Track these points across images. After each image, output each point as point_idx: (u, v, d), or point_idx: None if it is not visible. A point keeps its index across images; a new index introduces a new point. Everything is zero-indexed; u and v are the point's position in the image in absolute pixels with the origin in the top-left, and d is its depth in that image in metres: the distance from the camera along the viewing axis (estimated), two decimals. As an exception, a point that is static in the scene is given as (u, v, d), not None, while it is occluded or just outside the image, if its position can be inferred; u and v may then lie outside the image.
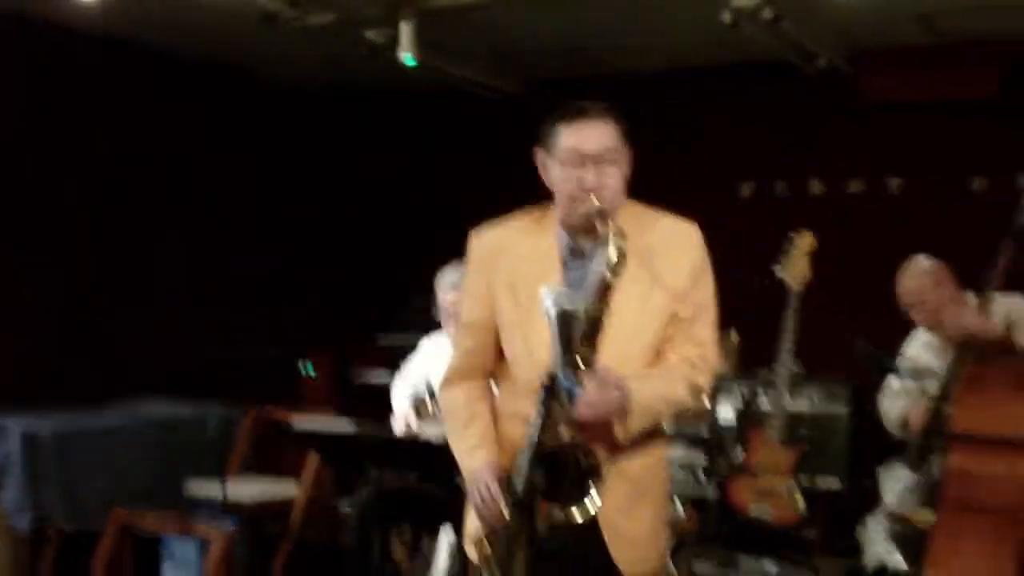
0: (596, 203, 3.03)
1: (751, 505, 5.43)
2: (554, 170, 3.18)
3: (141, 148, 7.59)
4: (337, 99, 8.88)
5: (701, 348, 3.20)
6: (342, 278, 8.89)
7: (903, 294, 5.10)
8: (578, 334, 2.82)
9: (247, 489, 6.27)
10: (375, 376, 7.80)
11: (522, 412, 3.11)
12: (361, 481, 5.36)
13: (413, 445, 4.88)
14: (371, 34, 6.80)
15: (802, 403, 6.17)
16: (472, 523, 3.23)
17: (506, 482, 2.99)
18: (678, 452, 6.41)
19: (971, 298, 4.85)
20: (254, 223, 8.41)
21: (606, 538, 3.07)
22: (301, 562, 6.30)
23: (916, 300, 5.04)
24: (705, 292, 3.25)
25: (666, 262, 3.15)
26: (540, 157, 3.23)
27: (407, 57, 6.58)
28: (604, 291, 2.91)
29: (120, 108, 7.46)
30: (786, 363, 5.49)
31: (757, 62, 7.32)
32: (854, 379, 6.03)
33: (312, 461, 6.28)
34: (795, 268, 5.46)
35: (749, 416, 5.77)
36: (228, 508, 5.90)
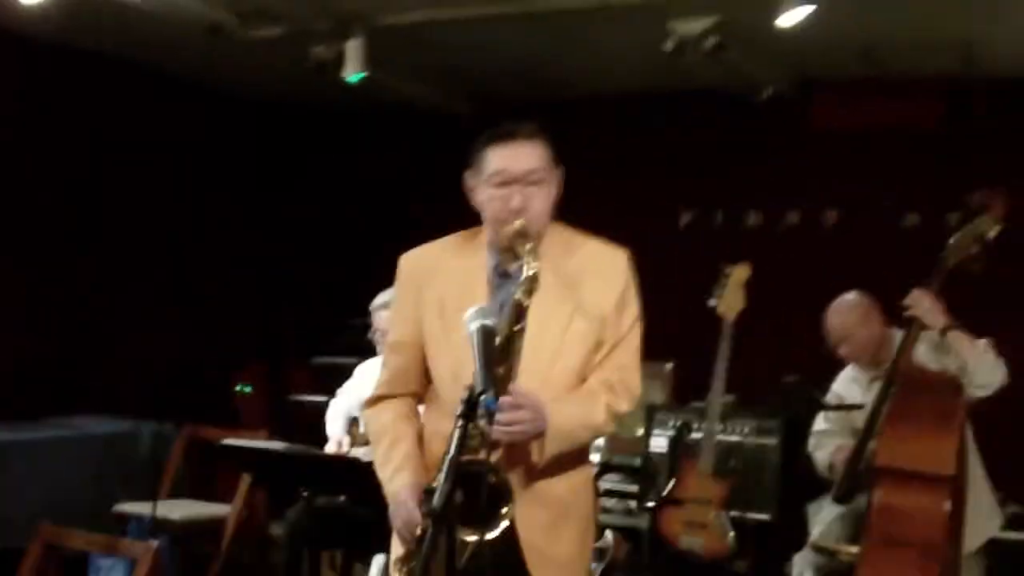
0: (517, 224, 3.04)
1: (682, 537, 5.43)
2: (482, 192, 3.18)
3: (81, 153, 7.55)
4: (282, 113, 8.85)
5: (622, 372, 3.21)
6: (279, 297, 8.86)
7: (831, 330, 5.14)
8: (498, 351, 2.82)
9: (178, 508, 6.24)
10: (310, 397, 7.78)
11: (444, 431, 3.09)
12: (293, 503, 5.34)
13: (344, 465, 4.87)
14: (319, 49, 6.79)
15: (734, 434, 6.19)
16: (396, 546, 3.22)
17: (425, 503, 2.98)
18: (611, 482, 6.44)
19: (897, 334, 4.91)
20: (191, 239, 8.37)
21: (528, 560, 3.07)
22: (231, 582, 6.27)
23: (843, 336, 5.09)
24: (630, 318, 3.25)
25: (592, 287, 3.16)
26: (469, 180, 3.24)
27: (352, 75, 6.58)
28: (518, 312, 2.93)
29: (65, 115, 7.42)
30: (718, 394, 5.52)
31: (703, 90, 7.38)
32: (787, 411, 6.06)
33: (244, 482, 6.25)
34: (729, 299, 5.49)
35: (681, 446, 5.77)
36: (158, 526, 5.86)
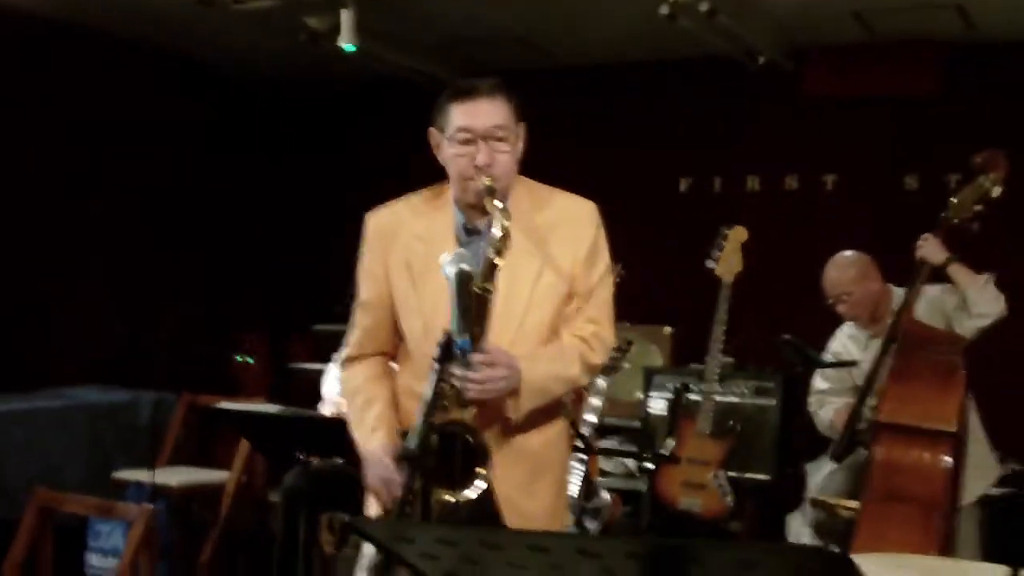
0: (485, 181, 3.03)
1: (680, 497, 5.44)
2: (447, 149, 3.17)
3: (76, 130, 7.53)
4: (278, 86, 8.82)
5: (596, 326, 3.23)
6: (279, 266, 8.85)
7: (828, 287, 5.15)
8: (469, 294, 2.81)
9: (176, 475, 6.23)
10: (310, 365, 7.76)
11: (417, 389, 3.11)
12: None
13: (339, 427, 4.84)
14: (312, 20, 6.76)
15: (732, 395, 6.19)
16: (372, 506, 3.24)
17: (401, 446, 2.98)
18: (610, 443, 6.45)
19: (896, 292, 4.91)
20: (191, 209, 8.35)
21: (505, 516, 3.08)
22: (229, 548, 6.26)
23: (840, 293, 5.09)
24: (600, 270, 3.26)
25: (561, 241, 3.17)
26: (434, 137, 3.23)
27: (346, 45, 6.55)
28: (490, 271, 2.91)
29: (49, 89, 7.39)
30: (717, 355, 5.51)
31: (698, 58, 7.35)
32: (785, 372, 6.06)
33: (243, 448, 6.24)
34: (728, 261, 5.49)
35: (680, 408, 5.77)
36: (157, 493, 5.85)
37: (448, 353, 2.67)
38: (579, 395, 5.77)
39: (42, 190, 7.33)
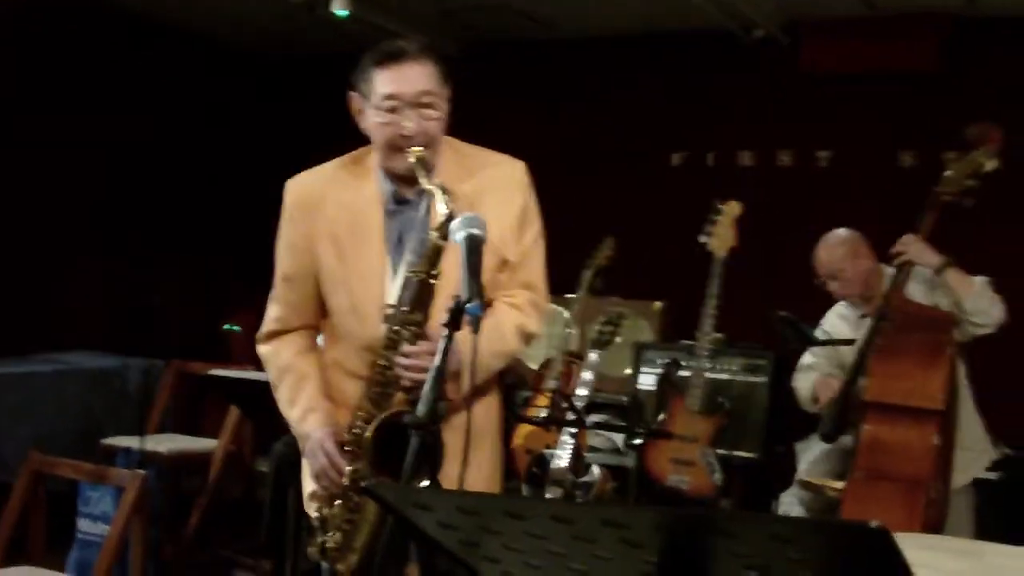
0: (415, 152, 2.95)
1: (668, 474, 5.43)
2: (371, 116, 3.07)
3: (68, 99, 7.49)
4: (269, 59, 8.80)
5: (531, 291, 3.18)
6: (269, 236, 8.82)
7: (819, 266, 5.12)
8: (483, 260, 2.73)
9: (165, 442, 6.24)
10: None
11: (346, 364, 3.12)
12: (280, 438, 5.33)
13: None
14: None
15: (723, 372, 6.19)
16: (308, 483, 3.21)
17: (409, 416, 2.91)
18: (599, 418, 6.44)
19: (888, 271, 4.89)
20: (184, 179, 8.32)
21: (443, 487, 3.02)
22: (217, 516, 6.27)
23: (832, 271, 5.06)
24: (532, 233, 3.19)
25: (491, 206, 3.04)
26: (355, 102, 3.13)
27: (340, 11, 6.52)
28: (435, 255, 2.87)
29: (42, 56, 7.35)
30: (707, 331, 5.49)
31: (695, 31, 7.33)
32: (776, 350, 6.05)
33: (231, 417, 6.24)
34: (721, 235, 5.46)
35: (670, 384, 5.76)
36: (146, 459, 5.85)
37: (458, 319, 2.63)
38: (568, 370, 5.79)
39: (37, 158, 7.29)
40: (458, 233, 2.70)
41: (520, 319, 3.13)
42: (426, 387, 2.61)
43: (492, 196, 3.10)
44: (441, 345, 2.63)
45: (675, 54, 7.73)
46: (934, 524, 4.21)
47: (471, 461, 3.01)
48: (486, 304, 2.69)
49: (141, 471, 4.43)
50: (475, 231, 2.70)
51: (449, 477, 2.93)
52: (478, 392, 3.09)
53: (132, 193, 7.95)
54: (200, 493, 6.24)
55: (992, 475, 5.29)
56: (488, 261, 2.91)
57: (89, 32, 7.64)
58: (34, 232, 7.27)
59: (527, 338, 3.18)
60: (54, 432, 6.37)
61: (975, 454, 4.83)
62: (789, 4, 6.92)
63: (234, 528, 6.27)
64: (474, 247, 2.68)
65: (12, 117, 7.17)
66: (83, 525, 5.72)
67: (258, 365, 6.65)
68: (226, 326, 8.30)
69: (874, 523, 1.42)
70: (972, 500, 4.93)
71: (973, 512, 4.92)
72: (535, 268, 3.21)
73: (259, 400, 5.05)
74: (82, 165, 7.59)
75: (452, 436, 2.90)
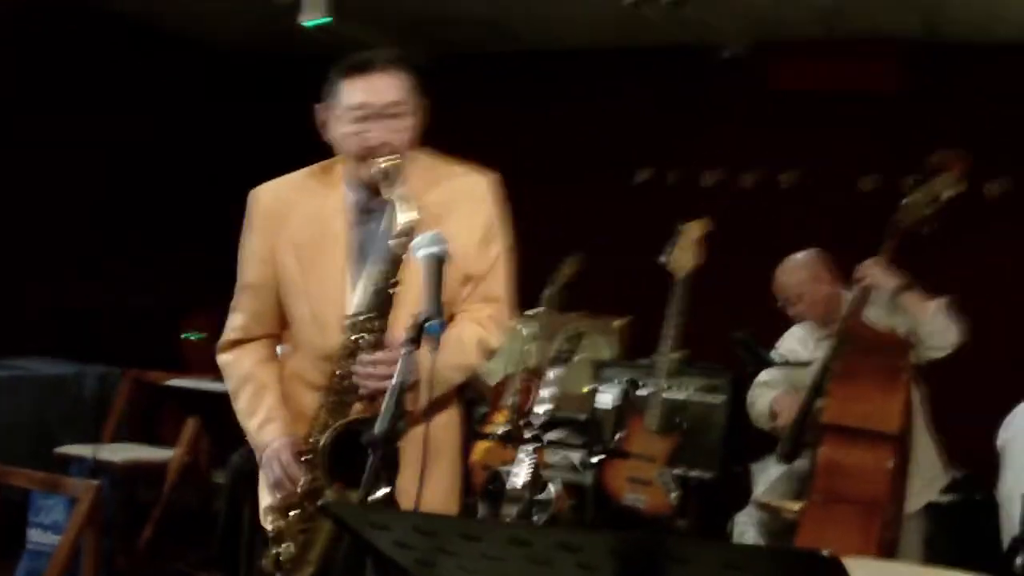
0: (381, 164, 2.94)
1: (625, 493, 5.44)
2: (338, 126, 3.06)
3: (33, 96, 7.43)
4: (237, 60, 8.75)
5: (494, 305, 3.17)
6: (232, 243, 8.78)
7: (779, 289, 5.14)
8: (444, 277, 2.72)
9: (120, 451, 6.19)
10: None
11: (305, 375, 3.11)
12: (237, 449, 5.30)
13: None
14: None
15: (681, 392, 6.20)
16: (265, 496, 3.19)
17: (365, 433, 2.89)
18: (556, 436, 6.43)
19: (846, 294, 4.91)
20: (144, 182, 8.26)
21: (400, 504, 2.92)
22: (172, 527, 6.22)
23: (792, 295, 5.08)
24: (496, 248, 3.18)
25: (456, 220, 3.05)
26: (321, 113, 3.12)
27: (310, 20, 6.51)
28: (395, 264, 2.86)
29: (42, 57, 7.33)
30: (666, 351, 5.51)
31: (662, 47, 7.36)
32: (735, 370, 6.06)
33: (188, 427, 6.20)
34: (681, 256, 5.48)
35: (628, 403, 5.77)
36: (99, 469, 5.80)
37: (418, 336, 2.61)
38: (527, 387, 5.78)
39: (36, 158, 7.27)
40: (419, 251, 2.70)
41: (481, 333, 3.12)
42: (385, 404, 2.60)
43: (458, 208, 3.10)
44: (401, 362, 2.62)
45: (641, 70, 7.75)
46: (888, 546, 4.24)
47: (429, 476, 3.00)
48: (446, 321, 2.66)
49: (95, 481, 4.39)
50: (436, 249, 2.69)
51: (406, 492, 2.88)
52: (437, 406, 3.07)
53: (91, 196, 7.88)
54: (155, 503, 6.19)
55: (943, 498, 5.31)
56: (452, 274, 2.91)
57: (88, 34, 7.63)
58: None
59: (488, 353, 3.17)
60: (6, 438, 6.31)
61: (927, 480, 4.85)
62: (756, 24, 6.96)
63: (188, 539, 6.22)
64: (435, 266, 2.67)
65: (12, 117, 7.12)
66: (33, 535, 5.66)
67: (217, 374, 6.66)
68: (186, 334, 8.26)
69: (826, 552, 1.42)
70: (923, 524, 4.95)
71: (923, 536, 4.95)
72: (499, 282, 3.20)
73: (217, 412, 5.04)
74: (38, 167, 7.51)
75: (409, 449, 2.85)
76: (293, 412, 3.16)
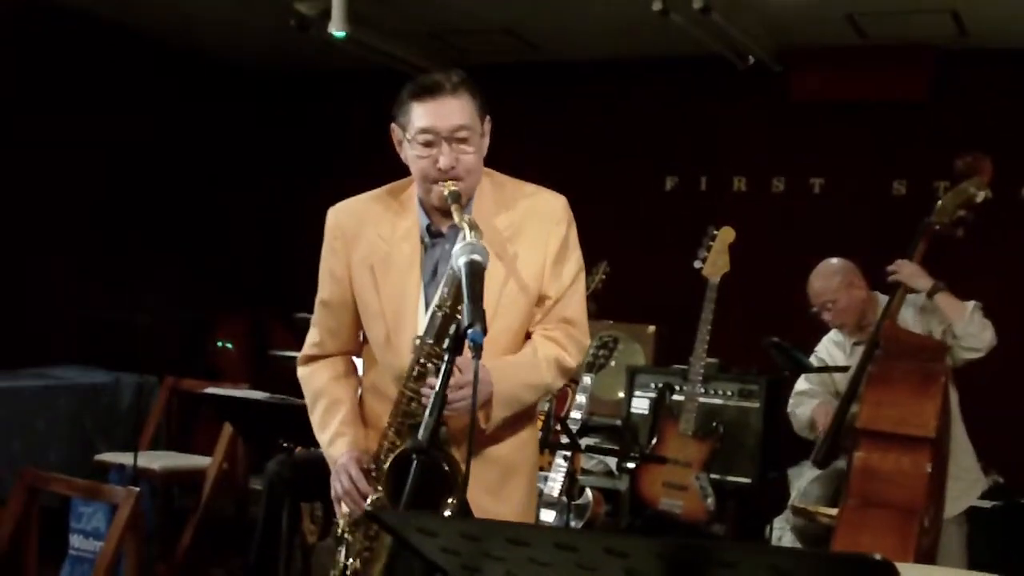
0: (449, 186, 2.95)
1: (661, 498, 5.45)
2: (408, 148, 3.06)
3: (57, 108, 7.49)
4: (264, 71, 8.82)
5: (568, 326, 3.15)
6: (262, 253, 8.85)
7: (812, 295, 5.15)
8: (522, 295, 2.75)
9: (158, 459, 6.23)
10: (291, 353, 7.76)
11: (382, 389, 3.11)
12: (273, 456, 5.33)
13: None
14: (302, 6, 6.75)
15: (716, 397, 6.20)
16: (343, 506, 3.17)
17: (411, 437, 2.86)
18: (591, 441, 6.44)
19: (881, 299, 4.92)
20: (175, 194, 8.34)
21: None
22: (209, 535, 6.26)
23: (825, 301, 5.09)
24: (572, 269, 3.17)
25: (529, 240, 3.07)
26: (396, 134, 3.12)
27: (337, 32, 6.54)
28: (458, 289, 2.81)
29: (42, 58, 7.38)
30: (701, 356, 5.51)
31: (687, 56, 7.36)
32: (769, 375, 6.07)
33: (225, 435, 6.24)
34: (715, 261, 5.49)
35: (663, 408, 5.78)
36: (139, 475, 5.85)
37: (459, 345, 2.62)
38: (564, 393, 5.79)
39: (24, 170, 7.29)
40: (459, 259, 2.70)
41: (557, 352, 3.10)
42: (427, 412, 2.62)
43: (529, 229, 3.10)
44: (443, 370, 2.64)
45: (667, 79, 7.78)
46: (927, 553, 4.23)
47: (503, 495, 3.04)
48: (485, 330, 2.64)
49: (135, 488, 4.42)
50: (476, 257, 2.70)
51: (481, 508, 2.95)
52: (512, 425, 3.09)
53: (123, 207, 7.94)
54: (192, 511, 6.23)
55: (985, 503, 5.30)
56: (524, 296, 2.97)
57: (89, 38, 7.66)
58: (22, 244, 7.26)
59: (564, 372, 3.15)
60: (47, 447, 6.37)
61: (966, 484, 4.85)
62: (782, 31, 6.97)
63: (226, 546, 6.27)
64: (475, 273, 2.67)
65: (12, 117, 7.18)
66: (75, 541, 5.71)
67: (250, 383, 6.69)
68: (219, 343, 8.32)
69: (878, 556, 1.43)
70: (965, 529, 4.94)
71: (966, 541, 4.94)
72: (575, 303, 3.18)
73: (254, 420, 5.08)
74: (72, 179, 7.58)
75: (485, 467, 2.91)
76: (371, 424, 3.17)
